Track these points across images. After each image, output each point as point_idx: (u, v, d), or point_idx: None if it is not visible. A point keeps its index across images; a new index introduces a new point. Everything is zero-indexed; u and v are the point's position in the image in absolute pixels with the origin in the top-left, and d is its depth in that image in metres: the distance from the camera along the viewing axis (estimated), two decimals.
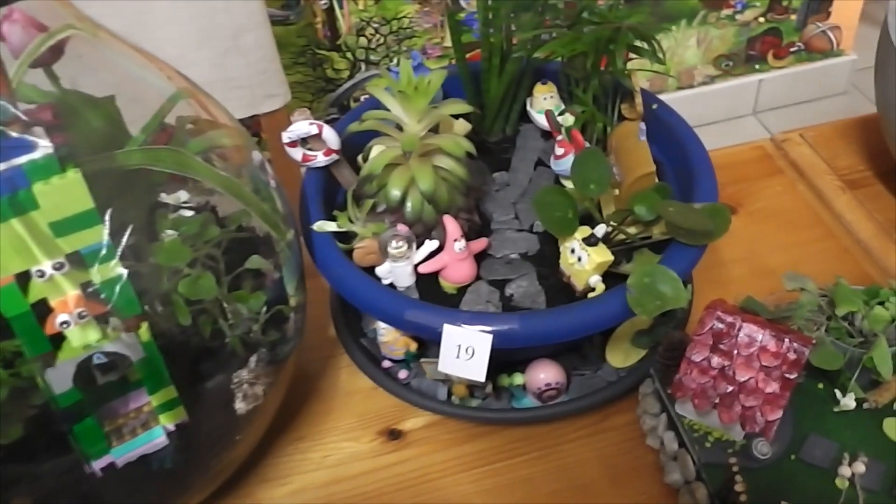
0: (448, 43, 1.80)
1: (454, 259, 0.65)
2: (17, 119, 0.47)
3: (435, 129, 0.70)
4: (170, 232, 0.59)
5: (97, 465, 0.54)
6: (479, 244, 0.68)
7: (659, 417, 0.66)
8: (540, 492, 0.67)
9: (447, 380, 0.69)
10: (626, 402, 0.71)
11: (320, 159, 0.69)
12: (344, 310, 0.77)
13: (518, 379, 0.70)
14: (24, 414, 0.52)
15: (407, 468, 0.69)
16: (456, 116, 0.76)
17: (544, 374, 0.68)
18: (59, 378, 0.50)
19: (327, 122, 0.68)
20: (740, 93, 2.12)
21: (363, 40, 1.77)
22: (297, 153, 0.69)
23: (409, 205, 0.65)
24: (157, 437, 0.56)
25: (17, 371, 0.50)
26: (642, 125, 0.70)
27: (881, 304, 0.67)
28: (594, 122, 0.72)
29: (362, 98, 1.79)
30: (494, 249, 0.69)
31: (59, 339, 0.49)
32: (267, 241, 0.63)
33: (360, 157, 0.74)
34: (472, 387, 0.69)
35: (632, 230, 0.66)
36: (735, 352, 0.59)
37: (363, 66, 1.82)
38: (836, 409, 0.64)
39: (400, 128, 0.67)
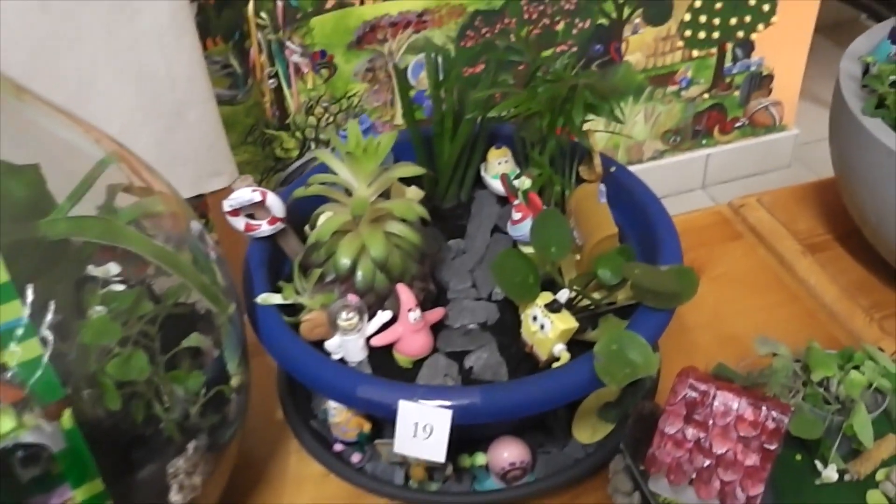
0: (399, 120, 1.80)
1: (409, 330, 0.62)
2: None
3: (386, 197, 0.67)
4: (98, 308, 0.55)
5: None
6: (436, 314, 0.65)
7: (632, 496, 0.63)
8: None
9: (404, 462, 0.66)
10: (596, 480, 0.67)
11: (264, 228, 0.66)
12: (292, 389, 0.73)
13: (480, 459, 0.67)
14: None
15: None
16: (408, 183, 0.74)
17: (508, 452, 0.65)
18: None
19: None
20: (689, 167, 2.16)
21: (312, 119, 1.76)
22: (239, 222, 0.66)
23: (359, 273, 0.62)
24: None
25: None
26: (602, 186, 0.68)
27: (856, 367, 0.65)
28: (552, 185, 0.71)
29: None
30: (452, 319, 0.67)
31: None
32: (207, 316, 0.60)
33: (307, 227, 0.70)
34: (432, 469, 0.66)
35: (596, 295, 0.63)
36: (711, 422, 0.56)
37: (313, 145, 1.80)
38: (817, 482, 0.61)
39: (349, 192, 0.64)
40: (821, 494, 0.61)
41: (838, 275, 0.87)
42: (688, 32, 1.87)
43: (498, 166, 0.75)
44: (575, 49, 1.80)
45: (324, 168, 0.66)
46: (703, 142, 2.13)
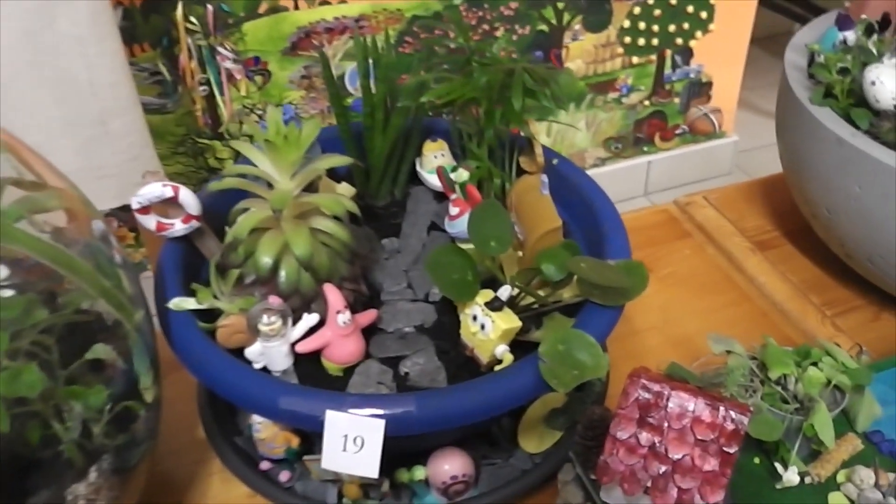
0: None
1: (338, 335, 0.58)
2: None
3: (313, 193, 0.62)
4: None
5: None
6: (367, 317, 0.61)
7: None
8: None
9: (337, 479, 0.62)
10: (545, 492, 0.65)
11: (178, 227, 0.61)
12: (213, 404, 0.69)
13: (419, 473, 0.63)
14: None
15: None
16: (339, 180, 0.69)
17: (449, 465, 0.62)
18: None
19: None
20: (631, 174, 2.17)
21: (246, 128, 1.71)
22: (149, 221, 0.60)
23: (282, 274, 0.58)
24: None
25: None
26: (544, 178, 0.65)
27: (814, 364, 0.62)
28: (491, 177, 0.68)
29: None
30: (385, 323, 0.64)
31: None
32: (114, 326, 0.55)
33: (227, 227, 0.65)
34: (367, 486, 0.62)
35: (540, 292, 0.59)
36: (665, 425, 0.53)
37: None
38: (778, 486, 0.58)
39: (271, 186, 0.59)
40: (781, 499, 0.59)
41: (789, 272, 0.86)
42: (627, 39, 1.88)
43: (434, 160, 0.72)
44: (515, 55, 1.78)
45: (245, 161, 0.61)
46: (645, 149, 2.14)
